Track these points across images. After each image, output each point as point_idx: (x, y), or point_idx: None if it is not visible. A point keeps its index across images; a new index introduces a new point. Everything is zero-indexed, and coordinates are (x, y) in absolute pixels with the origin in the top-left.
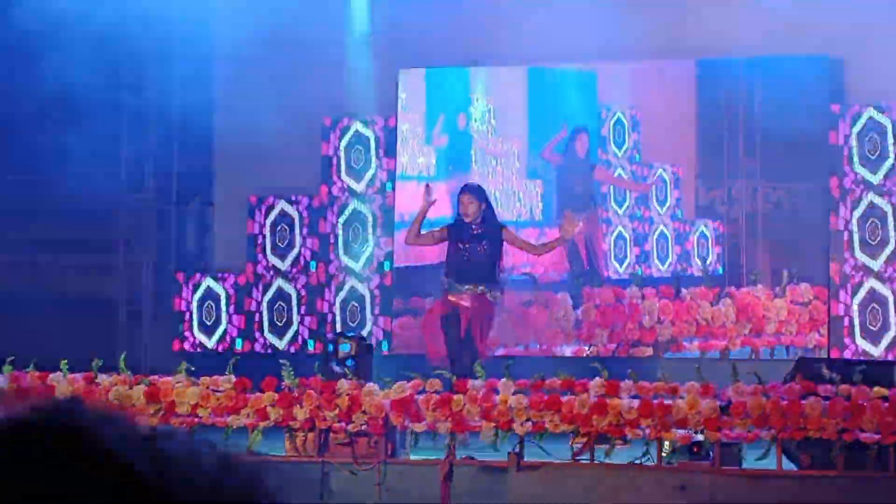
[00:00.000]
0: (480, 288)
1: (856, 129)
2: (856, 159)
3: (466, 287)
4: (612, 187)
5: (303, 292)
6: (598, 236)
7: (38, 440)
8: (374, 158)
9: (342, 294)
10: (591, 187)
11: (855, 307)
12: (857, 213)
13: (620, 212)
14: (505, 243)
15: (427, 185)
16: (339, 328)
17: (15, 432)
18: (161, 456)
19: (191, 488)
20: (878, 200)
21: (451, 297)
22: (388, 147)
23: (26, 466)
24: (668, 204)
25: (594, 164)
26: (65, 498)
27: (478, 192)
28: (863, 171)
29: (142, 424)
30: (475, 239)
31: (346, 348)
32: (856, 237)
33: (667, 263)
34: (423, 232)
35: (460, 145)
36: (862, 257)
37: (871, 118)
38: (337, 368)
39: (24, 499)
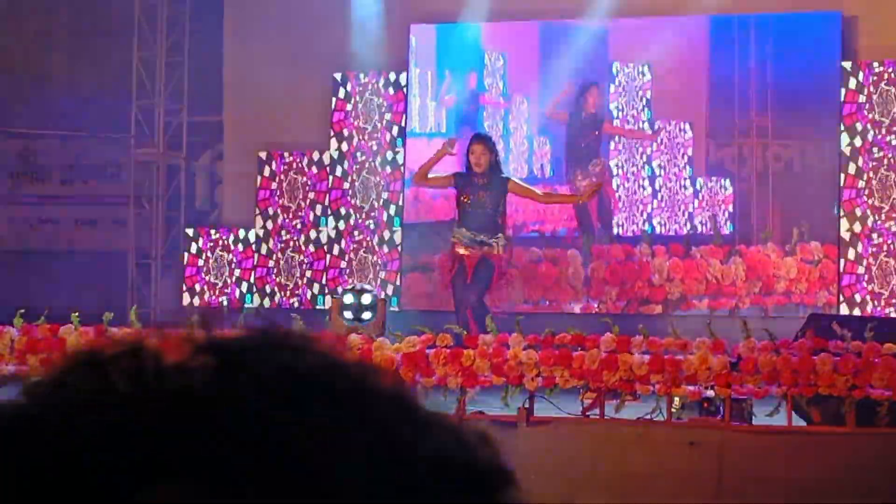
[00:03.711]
0: (481, 237)
1: (868, 87)
2: (867, 117)
3: (469, 236)
4: (622, 144)
5: (312, 247)
6: (609, 193)
7: (242, 357)
8: (384, 114)
9: (352, 249)
10: (600, 142)
11: (865, 265)
12: (868, 172)
13: (631, 168)
14: (511, 195)
15: (451, 140)
16: (348, 283)
17: (218, 351)
18: (360, 374)
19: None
20: (889, 158)
21: (456, 250)
22: (399, 103)
23: (231, 388)
24: (678, 161)
25: (603, 118)
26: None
27: (489, 142)
28: (874, 129)
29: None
30: (480, 189)
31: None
32: (866, 195)
33: (677, 221)
34: (430, 176)
35: (471, 102)
36: (872, 215)
37: (883, 75)
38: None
39: (229, 422)
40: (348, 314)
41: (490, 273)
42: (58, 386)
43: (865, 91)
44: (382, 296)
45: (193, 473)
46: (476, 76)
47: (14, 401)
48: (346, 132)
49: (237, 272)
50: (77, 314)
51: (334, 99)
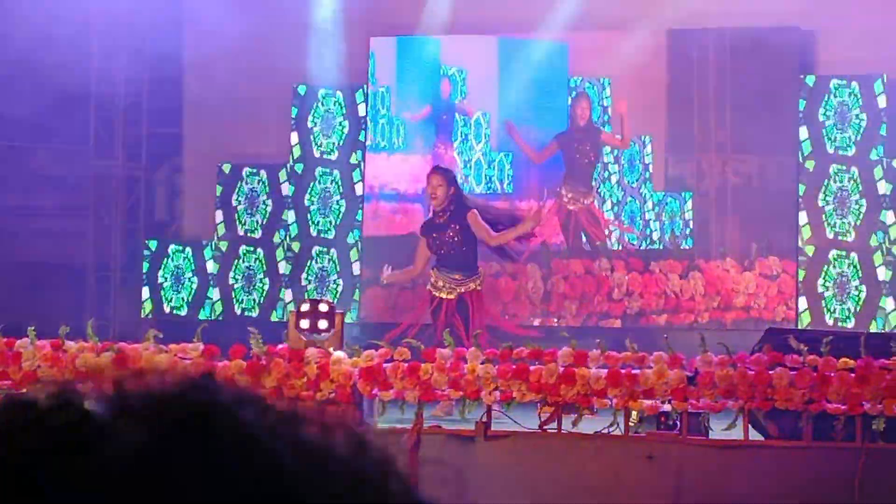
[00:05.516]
0: (458, 277)
1: (826, 101)
2: (826, 131)
3: (445, 279)
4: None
5: (271, 260)
6: (594, 210)
7: (171, 416)
8: (344, 128)
9: (311, 262)
10: (599, 155)
11: (823, 280)
12: (827, 186)
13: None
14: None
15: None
16: (307, 296)
17: (145, 407)
18: (297, 440)
19: (325, 473)
20: (847, 172)
21: (432, 290)
22: (359, 116)
23: (156, 447)
24: (637, 176)
25: (598, 130)
26: (196, 479)
27: (446, 175)
28: (833, 143)
29: (280, 407)
30: (442, 227)
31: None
32: (825, 209)
33: (636, 236)
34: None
35: (430, 116)
36: (831, 230)
37: (841, 89)
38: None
39: (152, 479)
40: (306, 326)
41: (468, 314)
42: None
43: (824, 105)
44: (340, 309)
45: None
46: (436, 91)
47: None
48: (305, 145)
49: (196, 284)
50: (33, 328)
51: (294, 112)
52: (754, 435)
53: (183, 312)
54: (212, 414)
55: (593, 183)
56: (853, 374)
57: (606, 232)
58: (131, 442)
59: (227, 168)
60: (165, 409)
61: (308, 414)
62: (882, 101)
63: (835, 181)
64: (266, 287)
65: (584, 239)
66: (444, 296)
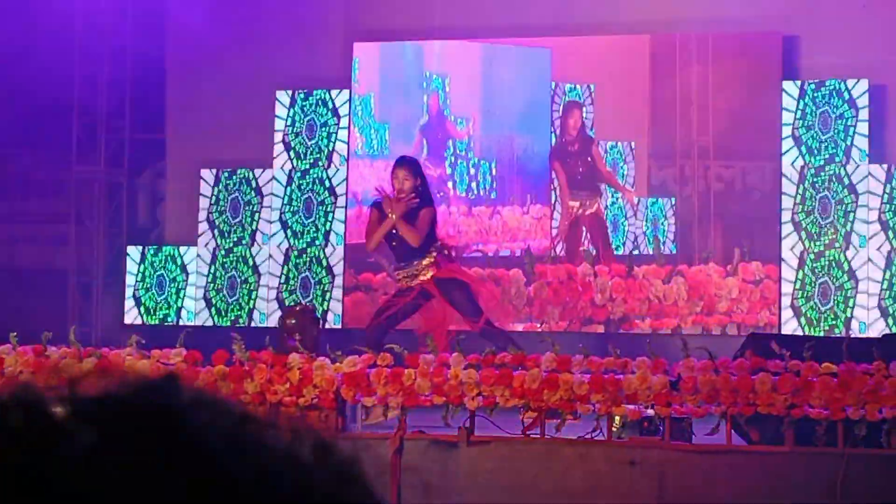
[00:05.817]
0: (415, 265)
1: (809, 106)
2: (809, 136)
3: (410, 269)
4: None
5: (254, 265)
6: (601, 217)
7: (123, 419)
8: (327, 133)
9: (294, 268)
10: (595, 166)
11: (806, 285)
12: (810, 191)
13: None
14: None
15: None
16: (290, 302)
17: (100, 408)
18: (255, 444)
19: (280, 479)
20: (830, 177)
21: (406, 284)
22: (341, 122)
23: (108, 448)
24: (620, 181)
25: (590, 141)
26: (142, 481)
27: (413, 167)
28: (816, 148)
29: (240, 410)
30: (402, 218)
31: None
32: (808, 215)
33: (619, 241)
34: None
35: (413, 123)
36: (813, 239)
37: (824, 95)
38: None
39: (103, 482)
40: (291, 333)
41: (463, 286)
42: None
43: (806, 110)
44: (323, 315)
45: None
46: (419, 97)
47: None
48: (288, 151)
49: (179, 290)
50: (15, 334)
51: (277, 117)
52: (736, 440)
53: (166, 318)
54: (166, 416)
55: (599, 185)
56: (835, 379)
57: (622, 240)
58: (81, 443)
59: (209, 173)
60: (120, 410)
61: (274, 419)
62: (865, 106)
63: (818, 186)
64: (249, 292)
65: (591, 249)
66: (420, 280)
